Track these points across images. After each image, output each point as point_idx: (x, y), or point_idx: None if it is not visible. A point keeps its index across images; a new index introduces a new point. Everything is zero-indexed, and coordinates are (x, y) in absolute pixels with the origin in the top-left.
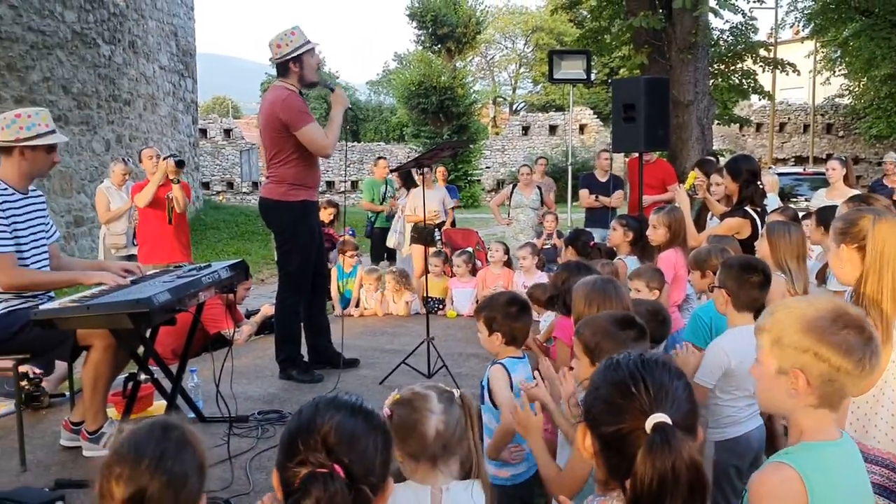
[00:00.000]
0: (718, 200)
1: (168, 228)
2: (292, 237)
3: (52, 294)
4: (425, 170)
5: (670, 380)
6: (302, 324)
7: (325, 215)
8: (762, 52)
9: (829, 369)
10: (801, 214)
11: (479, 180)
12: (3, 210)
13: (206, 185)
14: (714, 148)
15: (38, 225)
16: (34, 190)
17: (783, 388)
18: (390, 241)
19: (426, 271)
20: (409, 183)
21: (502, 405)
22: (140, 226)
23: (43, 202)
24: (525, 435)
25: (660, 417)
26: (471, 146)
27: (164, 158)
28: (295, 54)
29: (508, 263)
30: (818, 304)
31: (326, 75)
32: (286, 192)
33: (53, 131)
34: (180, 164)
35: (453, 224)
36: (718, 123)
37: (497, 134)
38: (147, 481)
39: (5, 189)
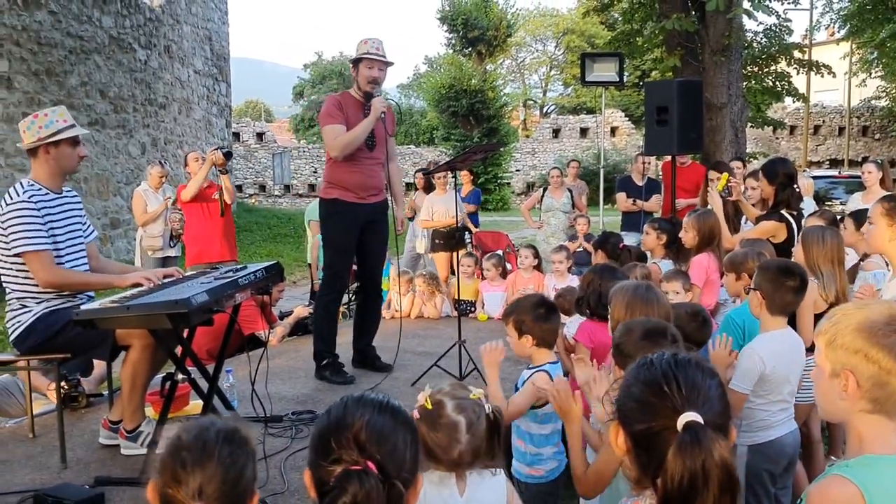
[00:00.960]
0: (753, 204)
1: (217, 225)
2: (325, 234)
3: (91, 294)
4: (438, 174)
5: (703, 379)
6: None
7: None
8: (796, 54)
9: (880, 372)
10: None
11: (508, 183)
12: (39, 210)
13: (238, 188)
14: (748, 150)
15: (75, 224)
16: (69, 190)
17: (836, 391)
18: (420, 247)
19: (452, 274)
20: (430, 188)
21: (515, 399)
22: (188, 227)
23: (78, 201)
24: (565, 420)
25: (691, 416)
26: (501, 149)
27: (213, 150)
28: (352, 60)
29: (538, 267)
30: (877, 308)
31: None
32: (323, 190)
33: (73, 125)
34: (228, 156)
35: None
36: (752, 126)
37: (527, 137)
38: (211, 473)
39: (39, 189)
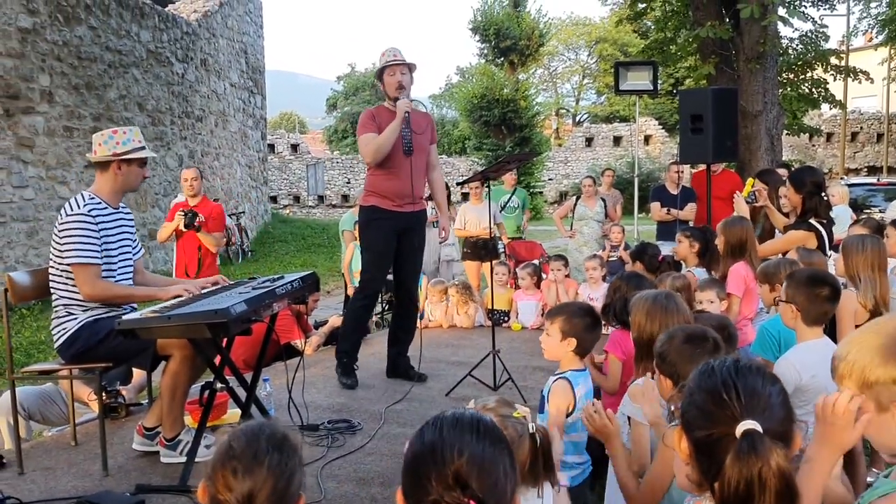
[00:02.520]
0: (787, 214)
1: (186, 246)
2: (362, 239)
3: (134, 305)
4: (472, 185)
5: (763, 386)
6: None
7: None
8: (833, 60)
9: None
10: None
11: (541, 192)
12: (97, 224)
13: (273, 199)
14: (783, 158)
15: (126, 240)
16: (124, 206)
17: (893, 424)
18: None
19: (487, 286)
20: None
21: (552, 428)
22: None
23: (131, 218)
24: (605, 441)
25: (749, 424)
26: (534, 158)
27: (180, 213)
28: (376, 74)
29: (568, 276)
30: (880, 328)
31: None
32: (362, 197)
33: (144, 147)
34: (188, 227)
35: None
36: (788, 133)
37: (560, 145)
38: (262, 480)
39: (99, 203)
